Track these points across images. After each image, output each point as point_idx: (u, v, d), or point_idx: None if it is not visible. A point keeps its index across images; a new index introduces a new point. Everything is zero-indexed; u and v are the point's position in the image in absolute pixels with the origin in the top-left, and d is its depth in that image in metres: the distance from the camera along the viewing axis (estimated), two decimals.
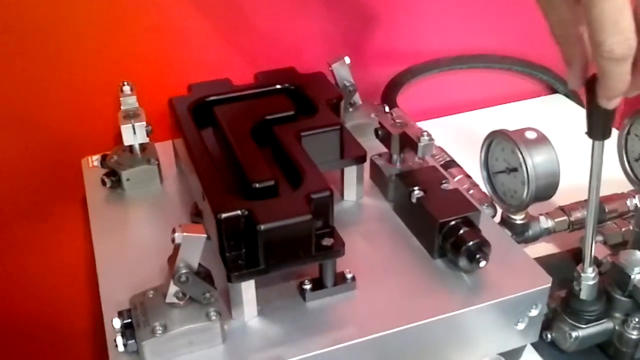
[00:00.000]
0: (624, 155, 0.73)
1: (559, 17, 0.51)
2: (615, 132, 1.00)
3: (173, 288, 0.54)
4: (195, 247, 0.52)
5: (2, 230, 0.95)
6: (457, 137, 1.00)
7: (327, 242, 0.58)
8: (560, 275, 0.65)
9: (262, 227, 0.54)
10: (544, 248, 0.82)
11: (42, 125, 0.89)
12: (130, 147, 0.76)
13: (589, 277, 0.62)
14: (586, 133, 0.55)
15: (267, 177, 0.59)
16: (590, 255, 0.61)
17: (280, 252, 0.55)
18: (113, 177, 0.75)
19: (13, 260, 0.97)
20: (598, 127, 0.54)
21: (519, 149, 0.69)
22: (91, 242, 0.72)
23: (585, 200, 0.78)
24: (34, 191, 0.94)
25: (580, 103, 1.16)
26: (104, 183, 0.75)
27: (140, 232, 0.71)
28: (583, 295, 0.63)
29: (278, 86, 0.76)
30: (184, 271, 0.53)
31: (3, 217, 0.94)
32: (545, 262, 0.65)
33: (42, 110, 0.89)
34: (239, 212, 0.55)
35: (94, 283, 0.99)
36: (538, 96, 1.18)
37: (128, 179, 0.75)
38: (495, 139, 0.74)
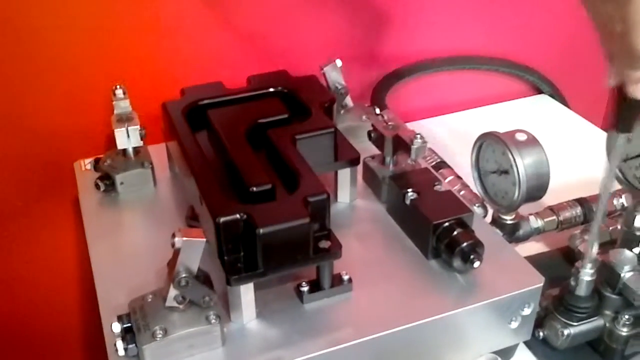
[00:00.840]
0: None
1: (602, 13, 0.50)
2: (603, 134, 1.02)
3: (173, 292, 0.54)
4: (195, 251, 0.53)
5: None
6: (445, 138, 1.01)
7: (325, 244, 0.59)
8: (550, 273, 0.66)
9: (261, 230, 0.54)
10: (531, 247, 0.83)
11: (33, 128, 0.89)
12: (124, 150, 0.76)
13: (587, 272, 0.64)
14: (612, 127, 0.56)
15: (264, 181, 0.60)
16: (592, 251, 0.63)
17: (278, 255, 0.56)
18: (107, 181, 0.75)
19: (3, 261, 0.97)
20: (627, 119, 0.55)
21: (509, 151, 0.71)
22: (84, 245, 0.72)
23: (574, 200, 0.80)
24: (25, 193, 0.93)
25: (564, 103, 1.18)
26: (97, 187, 0.75)
27: (135, 236, 0.71)
28: (580, 291, 0.64)
29: (271, 89, 0.76)
30: (183, 275, 0.53)
31: None
32: (535, 260, 0.67)
33: (34, 113, 0.88)
34: (237, 216, 0.55)
35: (87, 285, 0.99)
36: (524, 96, 1.20)
37: (122, 183, 0.75)
38: (486, 141, 0.75)
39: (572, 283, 0.65)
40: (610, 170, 0.60)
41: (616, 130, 0.57)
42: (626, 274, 0.64)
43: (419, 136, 0.69)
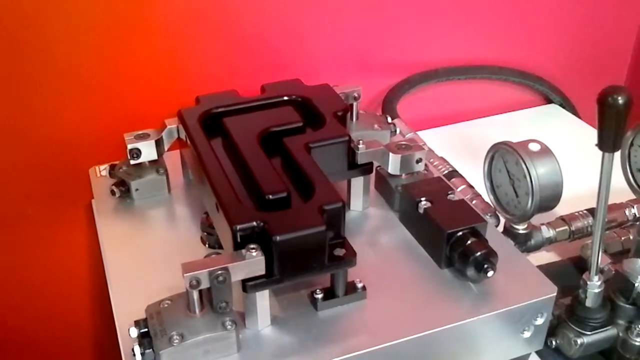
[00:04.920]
0: (627, 166, 0.75)
1: None
2: None
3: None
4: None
5: (6, 236, 0.95)
6: (455, 147, 1.02)
7: (339, 252, 0.59)
8: (561, 282, 0.66)
9: (278, 238, 0.54)
10: (542, 257, 0.83)
11: (46, 134, 0.90)
12: None
13: (595, 285, 0.64)
14: (597, 145, 0.57)
15: (280, 189, 0.60)
16: (597, 264, 0.63)
17: (294, 262, 0.56)
18: (122, 187, 0.76)
19: (15, 266, 0.98)
20: (609, 139, 0.56)
21: (523, 161, 0.71)
22: (96, 251, 0.73)
23: (586, 210, 0.81)
24: (37, 199, 0.94)
25: (574, 113, 1.18)
26: (113, 193, 0.76)
27: (150, 242, 0.72)
28: (589, 302, 0.65)
29: (285, 98, 0.77)
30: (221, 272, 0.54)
31: (7, 223, 0.94)
32: (546, 270, 0.67)
33: (47, 119, 0.89)
34: (254, 223, 0.56)
35: (99, 291, 1.00)
36: (534, 106, 1.20)
37: (137, 189, 0.76)
38: (499, 151, 0.76)
39: (582, 295, 0.65)
40: (602, 187, 0.60)
41: (599, 148, 0.57)
42: None
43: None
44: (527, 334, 0.64)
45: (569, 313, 0.67)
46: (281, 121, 0.72)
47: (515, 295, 0.63)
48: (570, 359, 0.68)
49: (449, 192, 0.69)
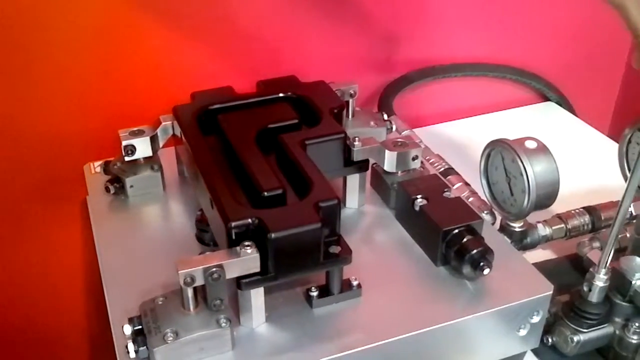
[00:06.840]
0: (625, 164, 0.75)
1: None
2: (611, 141, 1.02)
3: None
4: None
5: (0, 232, 0.95)
6: (452, 144, 1.02)
7: (335, 249, 0.59)
8: (557, 280, 0.66)
9: (273, 235, 0.54)
10: (539, 255, 0.83)
11: (41, 131, 0.90)
12: None
13: (602, 278, 0.64)
14: None
15: (275, 185, 0.60)
16: (608, 257, 0.63)
17: (289, 259, 0.56)
18: (117, 184, 0.75)
19: (9, 262, 0.97)
20: None
21: (519, 158, 0.71)
22: (91, 247, 0.72)
23: (582, 208, 0.81)
24: (32, 195, 0.94)
25: (571, 111, 1.18)
26: (107, 190, 0.75)
27: (145, 239, 0.71)
28: (592, 297, 0.65)
29: (281, 94, 0.76)
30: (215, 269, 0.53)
31: (1, 219, 0.94)
32: (542, 267, 0.67)
33: (42, 116, 0.89)
34: (249, 220, 0.56)
35: (93, 288, 0.99)
36: (531, 104, 1.20)
37: (132, 186, 0.75)
38: (496, 148, 0.75)
39: (585, 289, 0.65)
40: (634, 180, 0.59)
41: None
42: (637, 281, 0.64)
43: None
44: (523, 332, 0.64)
45: (566, 310, 0.67)
46: (277, 118, 0.71)
47: (511, 293, 0.63)
48: (567, 357, 0.68)
49: (445, 190, 0.69)
